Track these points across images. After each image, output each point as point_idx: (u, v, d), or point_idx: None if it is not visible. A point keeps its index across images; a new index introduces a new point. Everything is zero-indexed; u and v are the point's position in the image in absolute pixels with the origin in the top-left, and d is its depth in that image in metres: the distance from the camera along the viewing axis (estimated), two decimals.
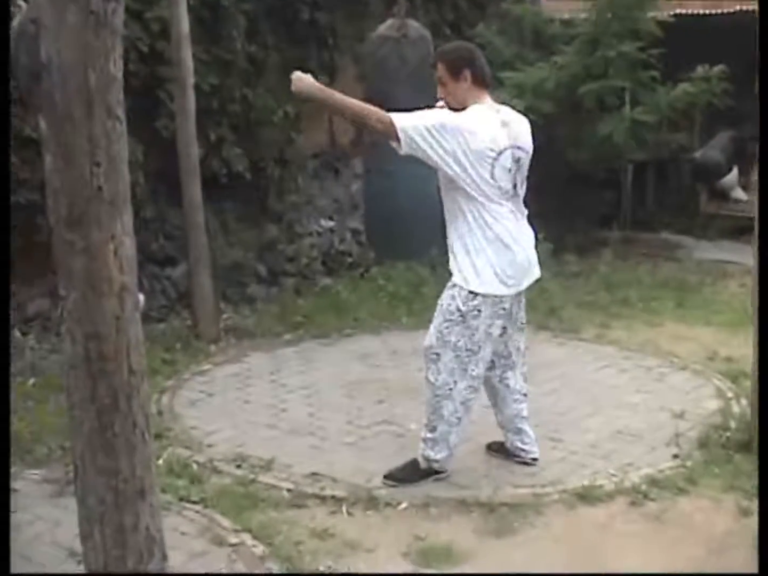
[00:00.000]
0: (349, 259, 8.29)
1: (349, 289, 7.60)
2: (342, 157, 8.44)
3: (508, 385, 4.30)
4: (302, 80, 3.81)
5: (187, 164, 6.24)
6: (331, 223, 8.35)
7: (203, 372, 5.86)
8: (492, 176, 3.90)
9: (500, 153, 3.90)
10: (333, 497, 4.05)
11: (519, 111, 4.16)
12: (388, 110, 3.86)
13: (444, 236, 4.14)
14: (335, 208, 8.47)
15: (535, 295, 7.20)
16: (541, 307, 7.10)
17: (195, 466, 4.34)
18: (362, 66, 8.36)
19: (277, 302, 7.37)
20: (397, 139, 3.79)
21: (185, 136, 6.20)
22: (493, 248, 3.95)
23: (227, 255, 7.33)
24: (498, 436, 4.47)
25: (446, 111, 3.94)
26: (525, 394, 4.36)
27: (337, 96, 3.83)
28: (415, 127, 3.79)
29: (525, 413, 4.37)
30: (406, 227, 8.31)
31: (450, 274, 4.10)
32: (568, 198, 9.23)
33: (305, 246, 7.92)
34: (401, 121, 3.79)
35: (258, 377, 5.78)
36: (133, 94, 2.19)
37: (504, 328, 4.11)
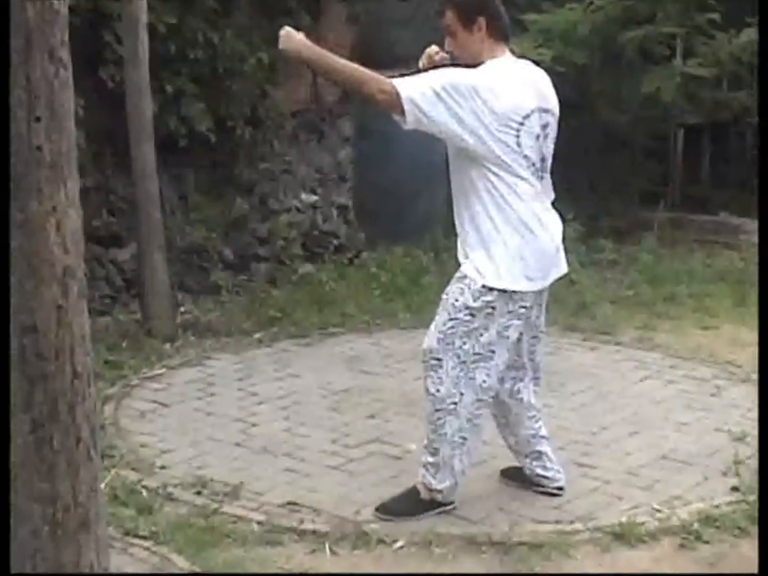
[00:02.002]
0: (335, 242, 8.29)
1: (335, 278, 7.60)
2: (327, 116, 8.43)
3: (521, 400, 4.31)
4: (291, 38, 3.83)
5: (138, 123, 6.22)
6: (313, 198, 8.35)
7: (156, 377, 5.86)
8: (518, 144, 3.90)
9: (526, 117, 3.91)
10: (314, 532, 4.05)
11: (543, 63, 4.18)
12: (390, 76, 3.86)
13: (451, 214, 4.15)
14: (318, 178, 8.47)
15: (562, 288, 7.20)
16: (570, 303, 7.12)
17: (144, 493, 4.33)
18: (353, 5, 8.36)
19: (246, 293, 7.36)
20: (402, 112, 3.80)
21: (136, 87, 6.18)
22: (515, 233, 3.96)
23: (186, 235, 7.33)
24: (514, 459, 4.49)
25: (459, 69, 3.92)
26: (539, 410, 4.39)
27: (331, 59, 3.83)
28: (422, 94, 3.78)
29: (543, 432, 4.39)
30: (404, 203, 8.34)
31: (458, 263, 4.11)
32: (603, 170, 9.25)
33: (281, 225, 7.91)
34: (406, 88, 3.78)
35: (223, 384, 5.79)
36: (72, 34, 2.17)
37: (521, 332, 4.12)
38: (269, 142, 7.84)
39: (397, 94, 3.77)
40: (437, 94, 3.78)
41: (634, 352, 6.41)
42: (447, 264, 6.57)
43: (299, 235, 8.02)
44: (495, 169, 3.90)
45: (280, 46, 3.85)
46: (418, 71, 4.04)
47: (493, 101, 3.83)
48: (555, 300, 6.93)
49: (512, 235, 3.96)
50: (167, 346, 6.34)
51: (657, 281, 7.76)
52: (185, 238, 7.29)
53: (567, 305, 7.08)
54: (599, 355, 6.37)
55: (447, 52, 4.09)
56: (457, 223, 4.08)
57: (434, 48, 4.11)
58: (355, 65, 3.87)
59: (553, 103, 4.06)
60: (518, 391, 4.30)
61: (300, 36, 3.84)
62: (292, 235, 7.92)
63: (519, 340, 4.15)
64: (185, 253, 7.28)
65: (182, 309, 6.98)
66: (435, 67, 4.01)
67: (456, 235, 4.14)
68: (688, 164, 9.73)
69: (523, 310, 4.04)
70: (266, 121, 7.73)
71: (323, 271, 7.75)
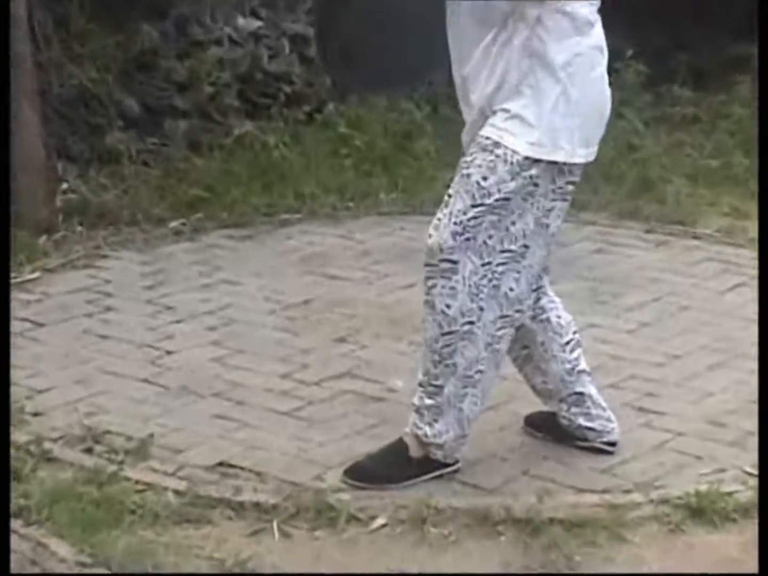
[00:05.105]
0: (288, 89, 8.21)
1: (287, 141, 7.58)
2: None
3: (548, 321, 4.34)
4: None
5: None
6: (255, 24, 8.25)
7: (26, 285, 5.87)
8: None
9: None
10: (256, 506, 4.06)
11: None
12: None
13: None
14: None
15: (616, 157, 7.21)
16: (628, 179, 7.13)
17: (12, 451, 4.29)
18: None
19: (158, 163, 7.34)
20: None
21: None
22: (584, 80, 4.01)
23: (68, 77, 7.24)
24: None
25: None
26: (576, 332, 4.41)
27: None
28: None
29: (584, 365, 4.41)
30: (390, 34, 8.23)
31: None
32: None
33: (209, 64, 7.83)
34: None
35: (124, 295, 5.80)
36: None
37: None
38: None
39: None
40: None
41: (720, 248, 6.44)
42: (450, 122, 6.52)
43: (235, 78, 7.94)
44: None
45: None
46: None
47: None
48: (606, 175, 6.97)
49: (582, 80, 4.00)
50: (42, 239, 6.34)
51: (754, 147, 7.73)
52: (67, 82, 7.20)
53: (623, 182, 7.08)
54: (669, 254, 6.39)
55: None
56: (480, 68, 4.06)
57: None
58: None
59: None
60: (543, 309, 4.32)
61: None
62: (225, 78, 7.85)
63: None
64: (67, 105, 7.21)
65: (64, 186, 6.94)
66: None
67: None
68: None
69: (570, 188, 4.09)
70: None
71: (270, 132, 7.70)
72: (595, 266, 6.09)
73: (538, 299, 4.29)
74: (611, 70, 4.22)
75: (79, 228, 6.53)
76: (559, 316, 4.34)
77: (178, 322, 5.51)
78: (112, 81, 7.39)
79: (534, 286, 4.22)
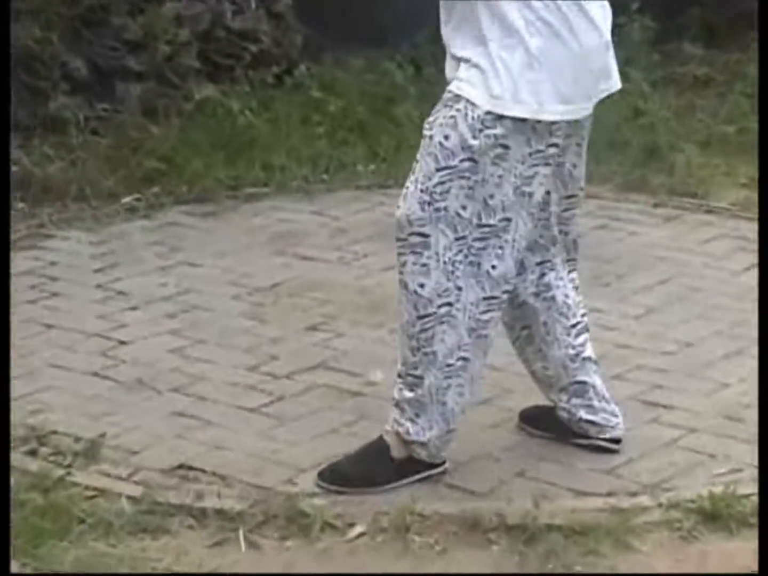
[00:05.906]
0: (254, 48, 8.20)
1: (254, 107, 7.59)
2: None
3: (553, 300, 4.33)
4: None
5: None
6: None
7: None
8: None
9: None
10: (219, 513, 4.06)
11: None
12: None
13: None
14: None
15: (621, 122, 7.21)
16: (633, 147, 7.14)
17: None
18: None
19: (109, 132, 7.32)
20: None
21: None
22: (547, 25, 3.94)
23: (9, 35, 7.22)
24: (541, 395, 4.52)
25: None
26: (584, 315, 4.41)
27: None
28: None
29: (589, 351, 4.41)
30: None
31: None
32: None
33: (165, 20, 7.82)
34: None
35: (72, 279, 5.81)
36: None
37: (549, 189, 4.15)
38: None
39: None
40: None
41: (735, 224, 6.45)
42: (435, 84, 6.52)
43: (194, 36, 7.93)
44: None
45: None
46: None
47: None
48: (609, 143, 6.97)
49: (544, 29, 3.95)
50: None
51: None
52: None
53: (629, 151, 7.09)
54: (679, 230, 6.41)
55: None
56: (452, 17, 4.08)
57: None
58: None
59: None
60: (548, 287, 4.31)
61: None
62: (183, 36, 7.83)
63: (546, 201, 4.16)
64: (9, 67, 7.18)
65: None
66: None
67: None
68: None
69: (553, 151, 4.05)
70: None
71: (234, 97, 7.71)
72: (598, 244, 6.08)
73: (542, 275, 4.29)
74: (613, 26, 4.21)
75: (20, 204, 6.52)
76: (566, 296, 4.34)
77: (132, 309, 5.52)
78: (56, 40, 7.38)
79: (535, 261, 4.24)
